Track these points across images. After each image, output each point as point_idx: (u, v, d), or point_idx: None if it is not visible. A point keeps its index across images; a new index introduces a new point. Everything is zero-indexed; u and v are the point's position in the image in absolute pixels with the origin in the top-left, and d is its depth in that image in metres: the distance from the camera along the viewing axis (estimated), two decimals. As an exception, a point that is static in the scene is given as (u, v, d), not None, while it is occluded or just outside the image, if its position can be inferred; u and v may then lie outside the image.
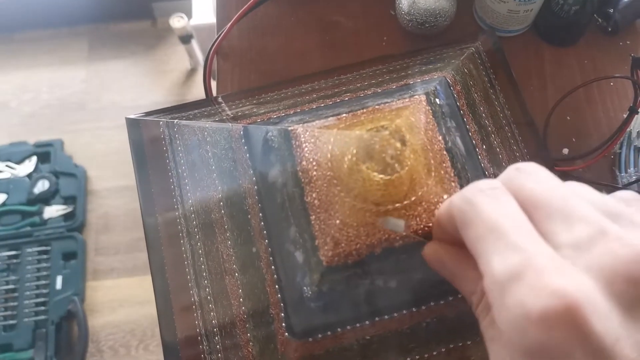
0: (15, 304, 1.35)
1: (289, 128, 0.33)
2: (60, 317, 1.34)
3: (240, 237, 0.36)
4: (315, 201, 0.31)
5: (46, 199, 1.47)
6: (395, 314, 0.33)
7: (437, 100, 0.35)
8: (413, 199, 0.30)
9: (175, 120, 0.43)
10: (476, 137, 0.37)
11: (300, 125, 0.33)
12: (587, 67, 0.56)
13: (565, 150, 0.53)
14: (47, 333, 1.33)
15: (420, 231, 0.30)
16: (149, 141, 0.45)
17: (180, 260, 0.39)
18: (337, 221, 0.30)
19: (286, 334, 0.32)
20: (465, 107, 0.38)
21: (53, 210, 1.46)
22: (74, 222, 1.44)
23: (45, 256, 1.41)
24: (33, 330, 1.34)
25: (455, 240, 0.26)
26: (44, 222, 1.45)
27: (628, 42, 0.57)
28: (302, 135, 0.33)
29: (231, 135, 0.37)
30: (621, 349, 0.19)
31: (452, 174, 0.32)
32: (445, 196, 0.31)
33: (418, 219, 0.30)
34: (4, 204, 1.44)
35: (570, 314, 0.19)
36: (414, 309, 0.33)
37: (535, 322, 0.19)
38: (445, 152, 0.33)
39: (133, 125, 0.46)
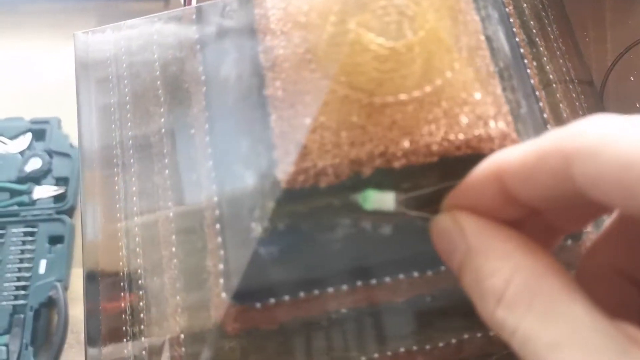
0: (-6, 285, 1.26)
1: (252, -7, 0.23)
2: (40, 303, 1.25)
3: (179, 163, 0.26)
4: (279, 92, 0.20)
5: (37, 178, 1.38)
6: (388, 279, 0.22)
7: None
8: (428, 89, 0.19)
9: (123, 22, 0.33)
10: (525, 47, 0.26)
11: (267, -13, 0.23)
12: (660, 17, 0.45)
13: (626, 118, 0.42)
14: (25, 319, 1.23)
15: (430, 150, 0.19)
16: (95, 61, 0.35)
17: (111, 195, 0.29)
18: (307, 119, 0.19)
19: (223, 294, 0.22)
20: (511, 8, 0.27)
21: (43, 191, 1.37)
22: (64, 205, 1.34)
23: (30, 238, 1.31)
24: (10, 315, 1.24)
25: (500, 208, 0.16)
26: (33, 202, 1.35)
27: None
28: (268, 1, 0.22)
29: (181, 28, 0.27)
30: None
31: (492, 69, 0.21)
32: (477, 95, 0.20)
33: (433, 126, 0.19)
34: (-8, 180, 1.36)
35: None
36: (415, 274, 0.22)
37: None
38: (482, 37, 0.22)
39: (81, 44, 0.36)
